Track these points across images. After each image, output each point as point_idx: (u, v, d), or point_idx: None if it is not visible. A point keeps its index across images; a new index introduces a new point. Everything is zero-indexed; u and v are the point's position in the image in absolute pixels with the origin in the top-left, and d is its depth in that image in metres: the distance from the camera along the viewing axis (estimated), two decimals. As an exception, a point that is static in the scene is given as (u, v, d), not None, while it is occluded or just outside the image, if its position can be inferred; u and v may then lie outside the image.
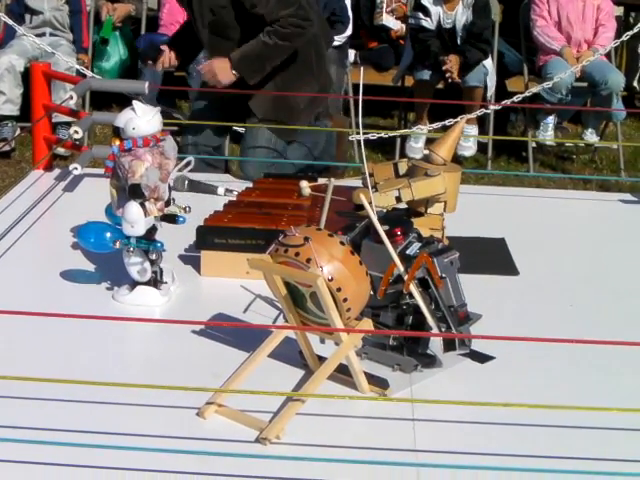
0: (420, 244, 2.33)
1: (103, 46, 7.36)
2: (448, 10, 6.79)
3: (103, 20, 7.35)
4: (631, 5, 7.84)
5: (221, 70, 4.42)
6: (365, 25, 7.81)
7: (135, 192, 2.61)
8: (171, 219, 2.75)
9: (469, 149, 6.97)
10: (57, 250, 3.14)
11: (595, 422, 2.14)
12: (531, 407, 2.10)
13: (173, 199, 2.75)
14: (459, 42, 6.80)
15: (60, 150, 5.25)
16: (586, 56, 6.58)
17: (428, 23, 6.80)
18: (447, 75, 6.73)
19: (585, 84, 6.75)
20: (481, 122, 7.03)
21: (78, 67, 6.15)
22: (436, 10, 6.79)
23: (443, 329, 2.31)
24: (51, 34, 6.98)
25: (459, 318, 2.32)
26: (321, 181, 3.42)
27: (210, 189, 3.71)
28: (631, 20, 7.89)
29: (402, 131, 6.44)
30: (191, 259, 3.05)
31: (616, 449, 2.09)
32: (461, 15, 6.78)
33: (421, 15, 6.80)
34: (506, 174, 6.57)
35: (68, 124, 5.70)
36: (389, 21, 7.73)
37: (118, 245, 2.69)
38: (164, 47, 4.68)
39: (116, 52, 7.46)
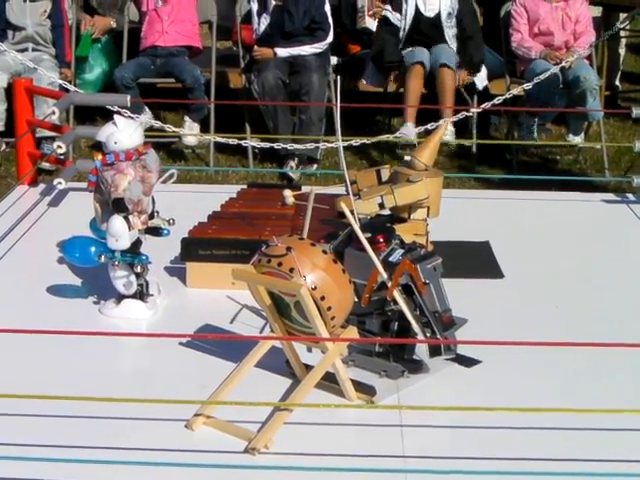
0: (403, 251, 2.34)
1: (81, 62, 7.37)
2: None
3: (81, 34, 7.35)
4: (610, 5, 7.86)
5: None
6: (347, 30, 7.81)
7: (118, 206, 2.61)
8: (155, 232, 2.76)
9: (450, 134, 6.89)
10: (43, 265, 3.14)
11: (582, 424, 2.15)
12: (518, 411, 2.11)
13: (157, 212, 2.75)
14: (444, 30, 6.78)
15: (45, 165, 5.25)
16: (568, 56, 6.61)
17: (394, 17, 6.80)
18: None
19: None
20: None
21: (61, 82, 6.15)
22: (412, 1, 6.79)
23: (428, 335, 2.32)
24: (34, 49, 6.95)
25: (444, 323, 2.33)
26: (304, 190, 3.42)
27: None
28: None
29: (384, 136, 6.39)
30: (177, 271, 3.05)
31: (604, 450, 2.10)
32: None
33: (389, 8, 6.82)
34: (489, 177, 6.56)
35: (52, 139, 5.68)
36: (372, 24, 7.73)
37: (103, 259, 2.70)
38: None
39: (98, 64, 7.46)
